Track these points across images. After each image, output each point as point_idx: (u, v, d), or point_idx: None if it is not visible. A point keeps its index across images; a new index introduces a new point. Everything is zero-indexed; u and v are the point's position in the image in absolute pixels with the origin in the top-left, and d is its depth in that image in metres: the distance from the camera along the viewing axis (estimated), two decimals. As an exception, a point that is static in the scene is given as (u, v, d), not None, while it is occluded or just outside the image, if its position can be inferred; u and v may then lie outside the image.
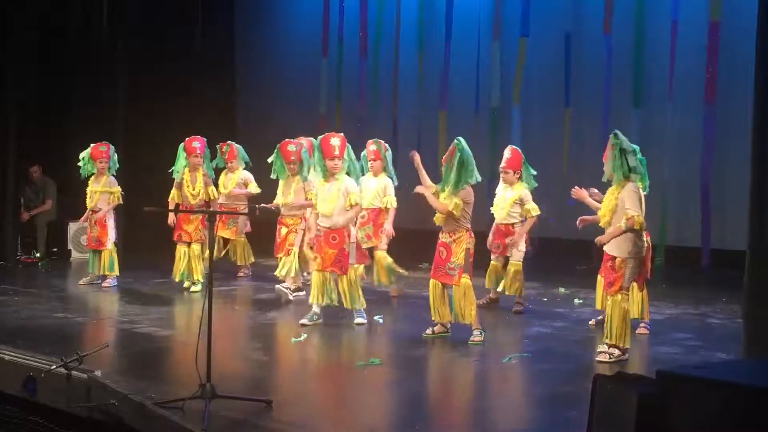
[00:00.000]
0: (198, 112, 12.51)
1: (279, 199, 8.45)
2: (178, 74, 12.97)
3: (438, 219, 6.76)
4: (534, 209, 7.71)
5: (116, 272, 9.32)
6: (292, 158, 8.32)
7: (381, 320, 7.52)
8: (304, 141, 9.22)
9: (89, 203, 9.35)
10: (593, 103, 10.98)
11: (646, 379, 3.67)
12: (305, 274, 8.74)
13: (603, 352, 6.03)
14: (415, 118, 12.41)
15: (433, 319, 6.82)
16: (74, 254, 11.47)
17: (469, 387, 5.90)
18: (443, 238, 6.75)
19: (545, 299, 8.73)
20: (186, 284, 8.99)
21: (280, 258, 8.48)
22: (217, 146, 9.80)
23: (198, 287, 8.93)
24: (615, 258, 6.07)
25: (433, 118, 12.12)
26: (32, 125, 11.70)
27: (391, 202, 8.37)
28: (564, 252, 10.92)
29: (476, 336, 6.65)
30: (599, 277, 6.79)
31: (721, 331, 7.20)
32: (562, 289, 9.02)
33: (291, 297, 8.38)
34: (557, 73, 11.24)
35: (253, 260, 9.89)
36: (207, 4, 13.58)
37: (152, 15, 12.81)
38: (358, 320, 7.30)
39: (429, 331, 6.84)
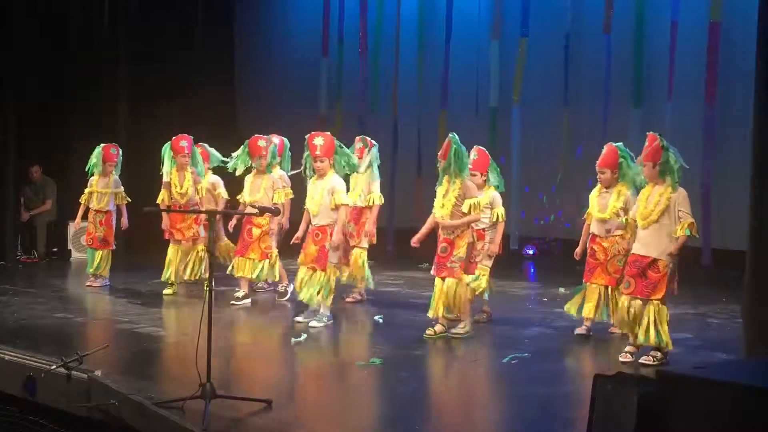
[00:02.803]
0: (198, 112, 12.51)
1: (246, 197, 8.19)
2: (178, 74, 12.97)
3: (440, 216, 6.74)
4: (502, 214, 7.32)
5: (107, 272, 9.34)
6: (262, 153, 8.14)
7: (381, 320, 7.52)
8: (276, 139, 9.03)
9: (96, 203, 9.28)
10: (593, 103, 10.98)
11: (646, 379, 3.67)
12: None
13: (646, 356, 6.05)
14: (415, 118, 12.41)
15: (431, 316, 6.80)
16: (74, 254, 11.47)
17: (469, 387, 5.90)
18: (445, 234, 6.76)
19: (545, 299, 8.73)
20: (169, 290, 8.77)
21: (250, 259, 8.12)
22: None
23: (170, 290, 8.74)
24: (655, 261, 6.02)
25: (433, 118, 12.12)
26: (32, 125, 11.70)
27: (375, 198, 8.13)
28: (564, 252, 10.92)
29: (463, 327, 6.72)
30: (598, 285, 6.79)
31: (721, 331, 7.20)
32: (562, 289, 9.01)
33: (244, 303, 8.21)
34: (557, 73, 11.25)
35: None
36: (207, 4, 13.58)
37: (152, 15, 12.81)
38: (312, 323, 7.16)
39: (430, 331, 6.80)
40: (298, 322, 7.29)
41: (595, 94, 10.96)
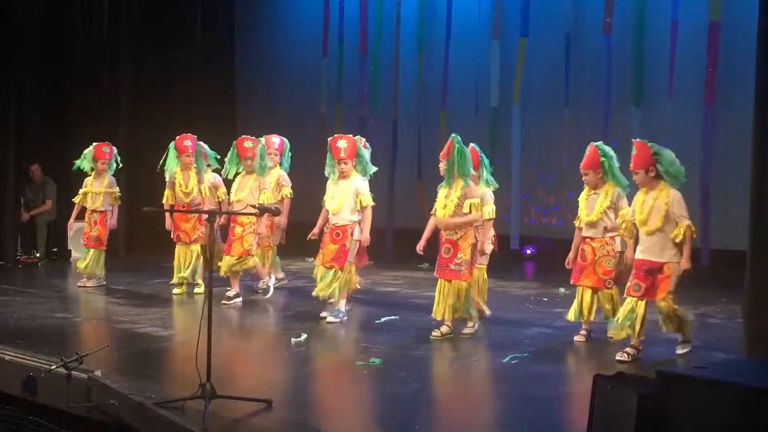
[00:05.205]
0: (198, 112, 12.51)
1: (233, 196, 8.35)
2: (178, 74, 12.97)
3: (442, 216, 6.78)
4: (491, 211, 7.16)
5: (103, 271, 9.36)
6: (248, 155, 8.23)
7: (381, 320, 7.52)
8: (276, 139, 9.01)
9: (90, 203, 9.31)
10: (593, 103, 10.97)
11: (646, 379, 3.67)
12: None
13: (681, 345, 6.32)
14: (415, 118, 12.41)
15: (436, 318, 6.85)
16: (74, 254, 11.46)
17: (469, 387, 5.90)
18: (448, 235, 6.80)
19: (545, 299, 8.73)
20: (178, 290, 8.78)
21: (235, 258, 8.21)
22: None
23: (201, 288, 8.77)
24: (662, 265, 6.08)
25: (433, 118, 12.12)
26: (32, 125, 11.71)
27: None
28: (563, 252, 10.90)
29: (471, 327, 6.87)
30: (585, 287, 6.74)
31: (721, 331, 7.20)
32: (562, 289, 9.01)
33: (235, 302, 8.30)
34: (557, 73, 11.24)
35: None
36: (207, 4, 13.58)
37: (152, 14, 12.81)
38: (330, 318, 7.35)
39: (436, 333, 6.81)
40: (324, 318, 7.43)
41: (595, 94, 10.94)
